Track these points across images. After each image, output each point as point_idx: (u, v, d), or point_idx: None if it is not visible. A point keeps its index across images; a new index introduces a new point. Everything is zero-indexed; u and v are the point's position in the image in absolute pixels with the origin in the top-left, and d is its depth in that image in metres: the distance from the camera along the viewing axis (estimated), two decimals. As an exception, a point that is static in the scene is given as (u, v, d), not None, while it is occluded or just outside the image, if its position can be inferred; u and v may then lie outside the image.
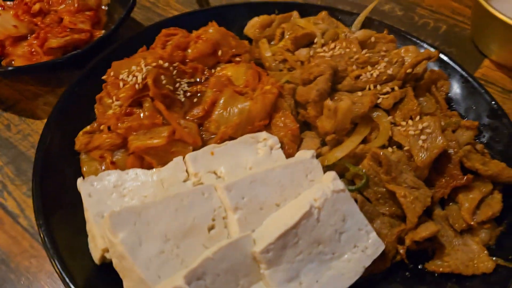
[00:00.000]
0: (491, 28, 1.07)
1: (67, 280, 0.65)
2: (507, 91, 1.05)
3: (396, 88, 0.82)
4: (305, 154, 0.76)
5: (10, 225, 0.80)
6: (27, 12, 1.11)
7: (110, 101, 0.85)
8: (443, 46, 1.16)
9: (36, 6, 1.10)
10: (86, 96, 0.90)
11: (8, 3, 1.14)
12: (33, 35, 1.08)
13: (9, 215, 0.82)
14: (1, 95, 1.03)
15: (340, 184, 0.70)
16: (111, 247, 0.64)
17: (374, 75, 0.83)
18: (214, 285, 0.61)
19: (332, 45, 0.93)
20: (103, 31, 1.10)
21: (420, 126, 0.77)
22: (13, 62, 1.05)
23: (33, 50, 1.05)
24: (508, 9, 1.07)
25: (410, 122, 0.78)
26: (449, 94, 0.93)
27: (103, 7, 1.17)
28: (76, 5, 1.10)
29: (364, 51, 0.88)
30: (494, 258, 0.69)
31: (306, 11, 1.10)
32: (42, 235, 0.68)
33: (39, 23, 1.10)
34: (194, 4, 1.30)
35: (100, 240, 0.68)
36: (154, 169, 0.77)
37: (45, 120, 0.96)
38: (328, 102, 0.79)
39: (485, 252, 0.70)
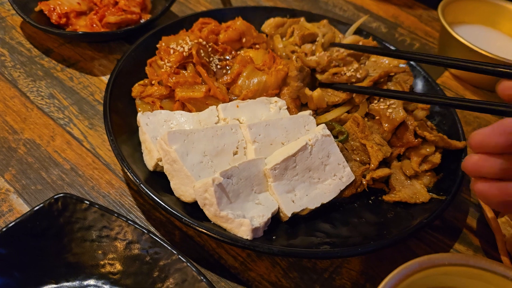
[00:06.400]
0: (452, 47, 1.37)
1: (132, 176, 0.88)
2: (459, 95, 1.36)
3: (366, 86, 1.10)
4: (305, 113, 1.04)
5: (76, 146, 1.04)
6: (88, -7, 1.38)
7: (162, 63, 1.11)
8: (415, 59, 1.46)
9: (96, -11, 1.37)
10: (138, 60, 1.15)
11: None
12: (92, 12, 1.35)
13: (75, 139, 1.05)
14: (64, 55, 1.28)
15: (327, 131, 0.95)
16: (165, 155, 0.89)
17: (347, 75, 1.11)
18: (237, 185, 0.85)
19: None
20: (149, 15, 1.37)
21: (388, 103, 1.05)
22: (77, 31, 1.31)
23: (93, 23, 1.32)
24: (465, 34, 1.39)
25: (381, 100, 1.07)
26: (414, 90, 1.22)
27: (149, -3, 1.45)
28: (129, -8, 1.37)
29: (342, 50, 1.18)
30: (430, 194, 0.96)
31: (312, 18, 1.37)
32: (113, 147, 0.92)
33: (98, 3, 1.38)
34: (218, 3, 1.59)
35: (155, 153, 0.92)
36: (193, 113, 1.04)
37: (101, 77, 1.23)
38: (306, 91, 1.08)
39: (425, 189, 0.96)
